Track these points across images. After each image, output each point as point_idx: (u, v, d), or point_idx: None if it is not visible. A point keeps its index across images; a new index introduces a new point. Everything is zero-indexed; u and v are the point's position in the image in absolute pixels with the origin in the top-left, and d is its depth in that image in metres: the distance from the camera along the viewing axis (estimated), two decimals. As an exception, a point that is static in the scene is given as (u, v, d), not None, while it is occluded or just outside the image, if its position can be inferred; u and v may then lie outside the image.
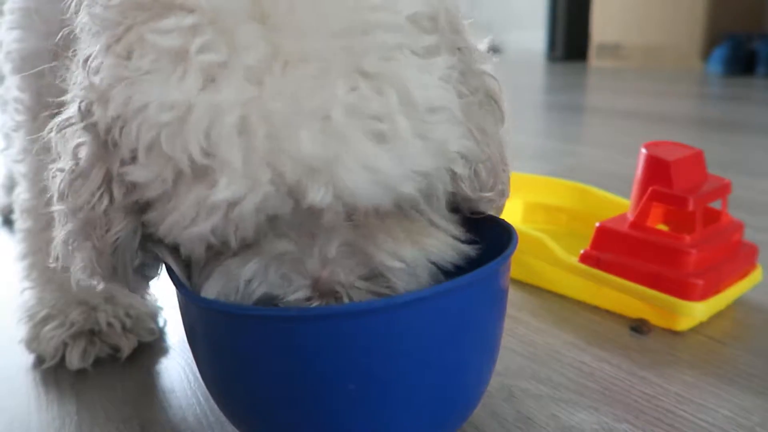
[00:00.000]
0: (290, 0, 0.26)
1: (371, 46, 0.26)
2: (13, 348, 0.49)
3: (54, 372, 0.47)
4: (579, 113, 1.80)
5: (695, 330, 0.51)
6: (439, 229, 0.32)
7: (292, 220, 0.28)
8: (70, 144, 0.31)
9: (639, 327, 0.51)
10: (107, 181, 0.30)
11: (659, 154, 0.52)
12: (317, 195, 0.25)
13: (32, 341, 0.48)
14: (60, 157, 0.32)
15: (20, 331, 0.49)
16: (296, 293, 0.29)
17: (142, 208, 0.29)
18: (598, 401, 0.42)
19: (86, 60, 0.29)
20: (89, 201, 0.30)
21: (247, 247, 0.29)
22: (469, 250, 0.33)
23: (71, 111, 0.31)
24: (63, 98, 0.33)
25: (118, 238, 0.31)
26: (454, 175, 0.31)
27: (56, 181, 0.32)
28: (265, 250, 0.29)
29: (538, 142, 1.40)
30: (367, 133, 0.25)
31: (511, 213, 0.73)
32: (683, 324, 0.50)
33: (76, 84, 0.31)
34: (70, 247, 0.32)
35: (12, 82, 0.47)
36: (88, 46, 0.30)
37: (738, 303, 0.55)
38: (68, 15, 0.32)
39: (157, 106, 0.25)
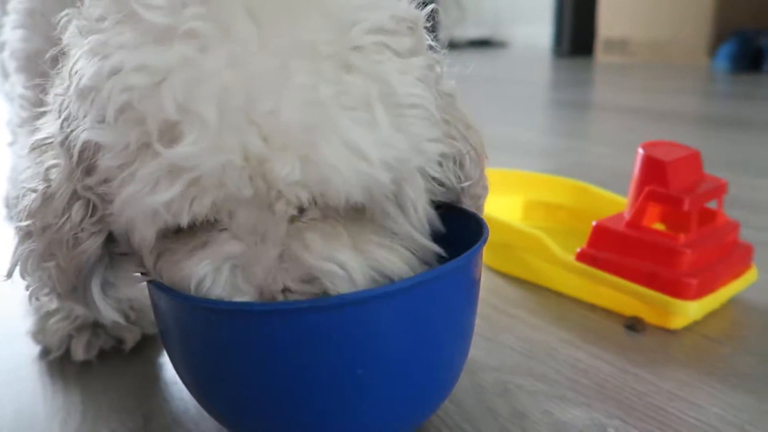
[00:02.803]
0: None
1: (356, 43, 0.27)
2: (20, 339, 0.50)
3: (59, 363, 0.48)
4: (584, 109, 1.80)
5: (689, 328, 0.51)
6: (398, 241, 0.31)
7: (246, 217, 0.28)
8: (44, 165, 0.32)
9: (634, 325, 0.52)
10: (74, 200, 0.31)
11: (656, 154, 0.53)
12: (286, 168, 0.25)
13: (38, 333, 0.49)
14: (33, 177, 0.33)
15: (27, 323, 0.50)
16: (242, 298, 0.29)
17: (103, 218, 0.31)
18: (591, 398, 0.42)
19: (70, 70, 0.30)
20: (57, 221, 0.31)
21: (198, 245, 0.29)
22: (427, 265, 0.32)
23: (50, 129, 0.32)
24: (42, 111, 0.34)
25: (82, 258, 0.32)
26: (429, 176, 0.32)
27: (26, 200, 0.33)
28: (216, 252, 0.29)
29: (543, 138, 1.40)
30: (349, 116, 0.26)
31: (512, 210, 0.74)
32: (677, 322, 0.51)
33: (57, 96, 0.32)
34: (28, 265, 0.33)
35: (17, 79, 0.48)
36: (74, 57, 0.30)
37: (732, 302, 0.55)
38: (57, 32, 0.33)
39: (134, 69, 0.25)
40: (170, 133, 0.25)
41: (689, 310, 0.50)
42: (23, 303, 0.51)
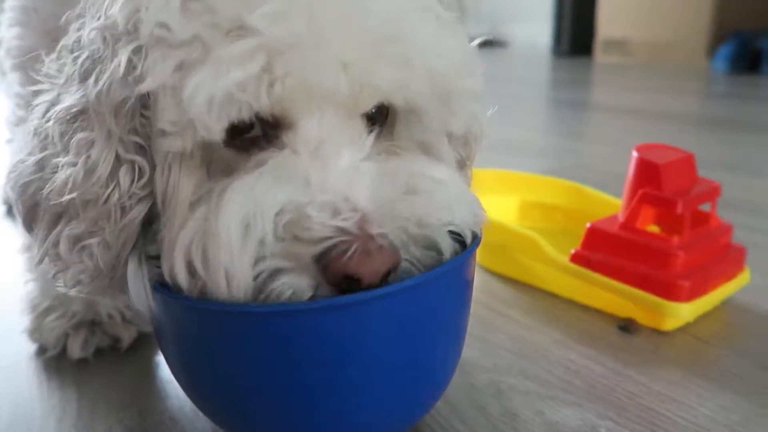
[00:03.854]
0: None
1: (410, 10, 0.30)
2: (16, 337, 0.51)
3: (56, 361, 0.49)
4: (582, 110, 1.80)
5: (682, 330, 0.52)
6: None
7: (321, 121, 0.29)
8: (76, 137, 0.30)
9: (627, 326, 0.52)
10: (117, 166, 0.30)
11: (650, 157, 0.53)
12: (378, 67, 0.28)
13: (35, 331, 0.49)
14: (63, 150, 0.31)
15: (23, 320, 0.51)
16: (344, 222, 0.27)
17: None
18: (583, 398, 0.43)
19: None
20: (103, 191, 0.30)
21: (260, 161, 0.29)
22: None
23: (72, 99, 0.31)
24: (54, 84, 0.32)
25: (131, 228, 0.30)
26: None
27: (62, 175, 0.30)
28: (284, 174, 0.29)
29: (541, 138, 1.40)
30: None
31: (507, 211, 0.74)
32: (670, 324, 0.51)
33: (67, 64, 0.31)
34: (61, 249, 0.31)
35: (13, 78, 0.48)
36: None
37: (725, 304, 0.56)
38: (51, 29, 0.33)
39: None
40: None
41: (682, 312, 0.50)
42: (20, 300, 0.51)
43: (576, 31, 3.29)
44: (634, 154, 0.55)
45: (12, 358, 0.49)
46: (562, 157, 1.18)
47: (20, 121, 0.48)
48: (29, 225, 0.33)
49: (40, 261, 0.32)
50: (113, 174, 0.30)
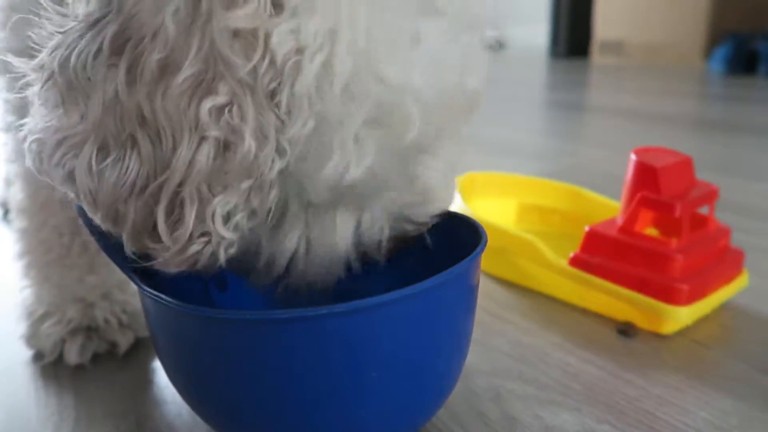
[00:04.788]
0: None
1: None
2: (13, 342, 0.50)
3: (53, 366, 0.48)
4: (580, 111, 1.80)
5: (681, 333, 0.52)
6: None
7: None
8: (204, 108, 0.25)
9: (626, 330, 0.52)
10: (276, 140, 0.27)
11: (648, 160, 0.53)
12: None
13: (31, 337, 0.49)
14: (181, 127, 0.26)
15: (19, 326, 0.50)
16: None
17: None
18: (581, 402, 0.43)
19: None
20: (265, 166, 0.27)
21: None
22: None
23: (188, 70, 0.25)
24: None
25: (274, 200, 0.29)
26: None
27: (203, 155, 0.26)
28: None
29: (538, 140, 1.40)
30: None
31: (505, 214, 0.74)
32: (669, 327, 0.51)
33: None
34: (233, 221, 0.28)
35: (1, 83, 0.47)
36: None
37: (724, 307, 0.56)
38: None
39: (350, 42, 0.26)
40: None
41: (680, 316, 0.50)
42: (16, 306, 0.51)
43: (573, 33, 3.29)
44: (633, 157, 0.55)
45: (8, 364, 0.49)
46: (559, 160, 1.18)
47: (9, 128, 0.48)
48: (114, 211, 0.28)
49: (164, 247, 0.28)
50: (270, 145, 0.27)
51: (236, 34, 0.25)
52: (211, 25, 0.25)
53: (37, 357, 0.49)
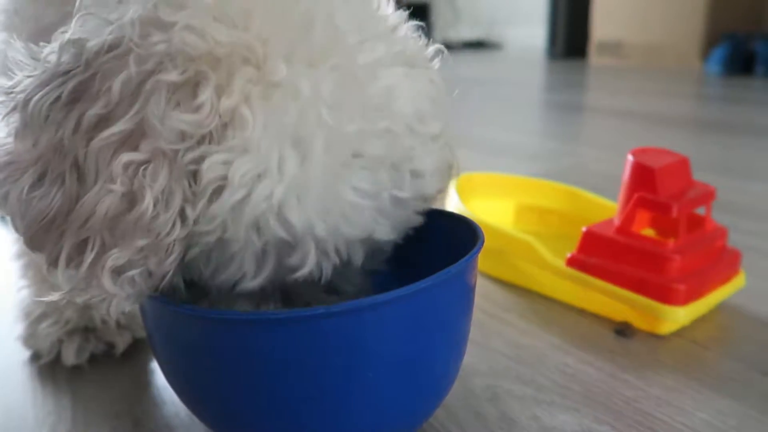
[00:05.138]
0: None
1: (401, 145, 0.30)
2: (10, 344, 0.50)
3: (50, 367, 0.48)
4: (577, 112, 1.81)
5: (678, 334, 0.52)
6: None
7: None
8: (122, 157, 0.27)
9: (623, 330, 0.52)
10: (182, 208, 0.28)
11: (645, 161, 0.53)
12: (360, 260, 0.32)
13: (29, 338, 0.49)
14: (97, 175, 0.28)
15: (16, 327, 0.50)
16: None
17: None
18: (579, 403, 0.43)
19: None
20: (162, 230, 0.28)
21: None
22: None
23: (117, 127, 0.27)
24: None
25: (173, 264, 0.29)
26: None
27: (107, 201, 0.27)
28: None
29: (536, 141, 1.40)
30: (399, 208, 0.31)
31: (503, 214, 0.74)
32: (666, 328, 0.51)
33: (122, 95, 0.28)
34: (120, 279, 0.28)
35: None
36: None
37: (721, 307, 0.56)
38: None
39: (269, 190, 0.27)
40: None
41: (678, 316, 0.50)
42: (13, 307, 0.51)
43: (570, 34, 3.30)
44: (630, 158, 0.55)
45: (5, 365, 0.49)
46: (557, 160, 1.18)
47: None
48: (37, 240, 0.30)
49: (66, 281, 0.29)
50: (174, 210, 0.28)
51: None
52: (152, 99, 0.27)
53: (35, 357, 0.49)
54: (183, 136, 0.27)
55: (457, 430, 0.40)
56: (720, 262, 0.55)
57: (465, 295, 0.34)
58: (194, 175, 0.28)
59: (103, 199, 0.28)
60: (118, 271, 0.28)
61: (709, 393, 0.44)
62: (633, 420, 0.41)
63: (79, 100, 0.29)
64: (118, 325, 0.50)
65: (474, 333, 0.51)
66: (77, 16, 0.30)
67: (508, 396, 0.44)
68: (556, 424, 0.41)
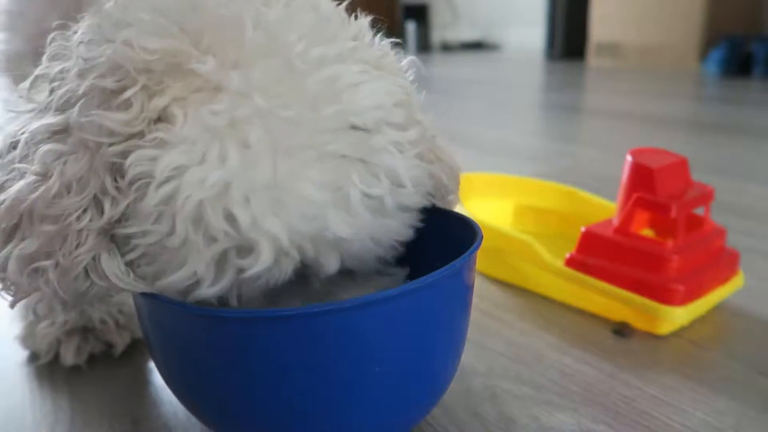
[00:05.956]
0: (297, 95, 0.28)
1: (366, 142, 0.29)
2: (9, 344, 0.50)
3: (48, 367, 0.48)
4: (575, 113, 1.81)
5: (677, 334, 0.52)
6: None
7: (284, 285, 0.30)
8: (45, 147, 0.29)
9: (621, 330, 0.52)
10: (98, 198, 0.28)
11: (644, 161, 0.54)
12: (334, 263, 0.30)
13: (27, 338, 0.49)
14: (24, 157, 0.30)
15: (14, 327, 0.50)
16: None
17: (123, 238, 0.29)
18: (578, 402, 0.43)
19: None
20: (70, 215, 0.28)
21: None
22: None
23: (52, 119, 0.30)
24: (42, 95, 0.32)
25: (84, 258, 0.29)
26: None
27: (23, 183, 0.29)
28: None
29: (534, 142, 1.41)
30: (374, 212, 0.29)
31: (502, 215, 0.74)
32: (665, 328, 0.51)
33: (64, 81, 0.30)
34: (28, 269, 0.29)
35: (1, 82, 0.48)
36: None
37: (719, 308, 0.56)
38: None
39: (199, 180, 0.26)
40: (241, 242, 0.27)
41: (676, 316, 0.50)
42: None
43: (569, 35, 3.31)
44: (628, 158, 0.55)
45: (3, 365, 0.49)
46: (555, 161, 1.18)
47: (7, 126, 0.48)
48: None
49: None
50: (85, 197, 0.28)
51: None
52: (84, 101, 0.29)
53: (33, 358, 0.49)
54: (110, 132, 0.28)
55: (455, 429, 0.40)
56: (719, 262, 0.55)
57: (462, 293, 0.34)
58: (120, 171, 0.28)
59: (19, 182, 0.29)
60: (26, 261, 0.28)
61: (708, 393, 0.44)
62: (631, 420, 0.41)
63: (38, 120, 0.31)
64: (117, 324, 0.50)
65: (473, 333, 0.52)
66: (47, 50, 0.33)
67: (506, 396, 0.44)
68: (554, 424, 0.41)
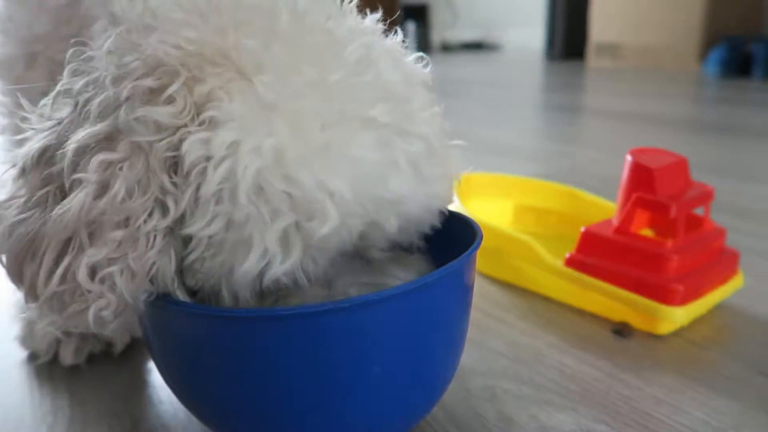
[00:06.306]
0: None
1: (408, 112, 0.31)
2: (8, 344, 0.50)
3: (47, 367, 0.48)
4: (575, 113, 1.81)
5: (676, 334, 0.52)
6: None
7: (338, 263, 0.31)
8: (97, 156, 0.28)
9: (621, 330, 0.52)
10: (159, 198, 0.28)
11: (644, 161, 0.54)
12: (394, 223, 0.30)
13: (26, 338, 0.49)
14: (73, 170, 0.29)
15: (13, 327, 0.50)
16: None
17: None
18: (577, 402, 0.43)
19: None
20: (138, 218, 0.28)
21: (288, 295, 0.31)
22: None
23: (95, 129, 0.29)
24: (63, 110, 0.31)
25: (155, 260, 0.28)
26: None
27: (80, 195, 0.28)
28: (310, 296, 0.31)
29: (534, 142, 1.41)
30: (417, 178, 0.30)
31: (502, 215, 0.74)
32: (664, 328, 0.51)
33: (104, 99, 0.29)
34: (97, 277, 0.28)
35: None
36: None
37: (719, 308, 0.56)
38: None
39: (254, 148, 0.27)
40: (305, 207, 0.27)
41: (676, 316, 0.50)
42: (9, 306, 0.51)
43: (569, 36, 3.31)
44: (628, 158, 0.55)
45: (2, 365, 0.49)
46: (555, 161, 1.18)
47: (3, 130, 0.48)
48: (18, 269, 0.29)
49: (47, 302, 0.29)
50: (149, 199, 0.28)
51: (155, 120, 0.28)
52: (127, 104, 0.29)
53: (32, 357, 0.49)
54: (160, 128, 0.28)
55: (455, 429, 0.40)
56: (718, 262, 0.55)
57: (462, 292, 0.34)
58: (175, 166, 0.28)
59: (78, 193, 0.28)
60: (95, 269, 0.27)
61: (707, 392, 0.44)
62: (631, 419, 0.41)
63: (68, 139, 0.30)
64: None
65: (473, 333, 0.52)
66: (66, 68, 0.32)
67: (506, 396, 0.44)
68: (554, 424, 0.41)
